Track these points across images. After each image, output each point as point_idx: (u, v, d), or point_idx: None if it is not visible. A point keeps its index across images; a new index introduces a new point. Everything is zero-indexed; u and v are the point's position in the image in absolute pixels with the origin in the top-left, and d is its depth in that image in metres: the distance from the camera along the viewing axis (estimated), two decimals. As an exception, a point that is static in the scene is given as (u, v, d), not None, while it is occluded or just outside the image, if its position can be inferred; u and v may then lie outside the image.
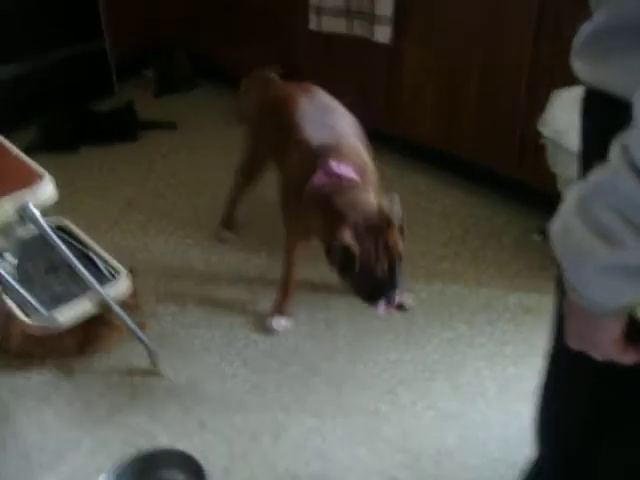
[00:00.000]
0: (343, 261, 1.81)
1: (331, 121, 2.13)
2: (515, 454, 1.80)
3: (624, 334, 0.77)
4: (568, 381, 1.00)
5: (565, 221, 0.72)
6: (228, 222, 2.66)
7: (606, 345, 0.78)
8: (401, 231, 1.86)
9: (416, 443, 1.85)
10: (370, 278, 1.82)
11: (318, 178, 1.94)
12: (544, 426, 1.09)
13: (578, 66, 0.79)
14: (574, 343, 0.82)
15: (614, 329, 0.76)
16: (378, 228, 1.81)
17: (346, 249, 1.77)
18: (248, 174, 2.52)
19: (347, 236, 1.78)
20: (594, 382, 0.93)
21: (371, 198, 1.89)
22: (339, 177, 1.92)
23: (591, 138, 0.82)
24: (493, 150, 2.72)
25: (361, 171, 1.98)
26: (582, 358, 0.82)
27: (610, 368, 0.81)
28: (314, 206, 1.93)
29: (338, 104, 2.24)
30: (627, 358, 0.79)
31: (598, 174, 0.67)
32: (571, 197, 0.72)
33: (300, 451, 1.83)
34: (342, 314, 2.28)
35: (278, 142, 2.20)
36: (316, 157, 1.98)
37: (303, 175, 1.98)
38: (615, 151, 0.65)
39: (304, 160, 2.01)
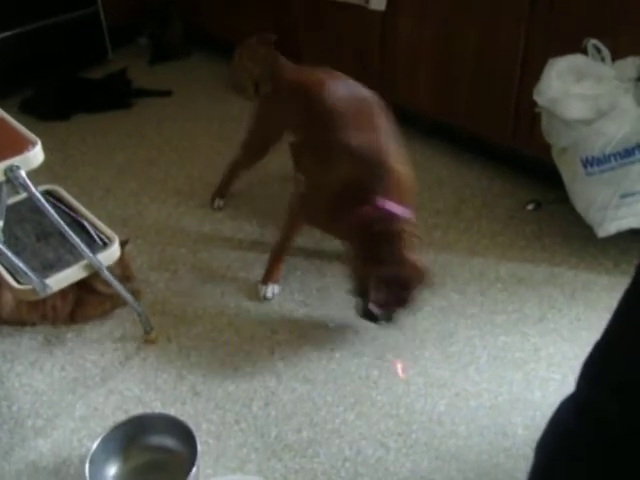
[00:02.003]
0: (357, 291, 1.85)
1: (372, 121, 2.02)
2: (504, 422, 1.83)
3: None
4: None
5: None
6: (223, 191, 2.64)
7: None
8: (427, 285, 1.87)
9: (406, 410, 1.86)
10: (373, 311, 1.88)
11: (367, 211, 1.84)
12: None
13: None
14: None
15: None
16: (406, 284, 1.81)
17: (365, 288, 1.79)
18: (255, 153, 2.44)
19: (372, 283, 1.77)
20: None
21: (412, 247, 1.84)
22: (388, 214, 1.84)
23: None
24: (488, 119, 2.70)
25: (407, 200, 1.90)
26: None
27: None
28: (356, 236, 1.87)
29: (368, 92, 2.14)
30: None
31: None
32: None
33: (291, 417, 1.84)
34: (334, 282, 2.28)
35: (310, 135, 2.11)
36: (364, 182, 1.87)
37: (345, 194, 1.88)
38: None
39: (350, 179, 1.89)
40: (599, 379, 1.05)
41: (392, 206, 1.84)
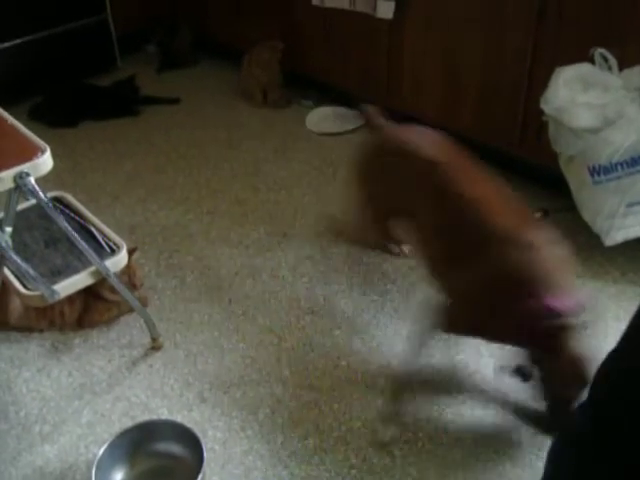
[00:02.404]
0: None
1: (496, 194, 1.86)
2: (507, 438, 1.82)
3: None
4: None
5: None
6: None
7: None
8: None
9: (412, 417, 1.86)
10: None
11: (532, 307, 1.59)
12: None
13: None
14: None
15: None
16: (567, 383, 1.62)
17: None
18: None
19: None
20: None
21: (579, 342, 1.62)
22: (555, 309, 1.59)
23: None
24: (495, 128, 2.70)
25: (568, 286, 1.66)
26: None
27: None
28: (523, 336, 1.64)
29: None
30: None
31: None
32: None
33: (297, 425, 1.84)
34: (341, 289, 2.28)
35: (434, 221, 1.87)
36: (520, 273, 1.63)
37: (499, 290, 1.66)
38: None
39: (501, 272, 1.66)
40: (615, 386, 1.05)
41: (557, 299, 1.60)
